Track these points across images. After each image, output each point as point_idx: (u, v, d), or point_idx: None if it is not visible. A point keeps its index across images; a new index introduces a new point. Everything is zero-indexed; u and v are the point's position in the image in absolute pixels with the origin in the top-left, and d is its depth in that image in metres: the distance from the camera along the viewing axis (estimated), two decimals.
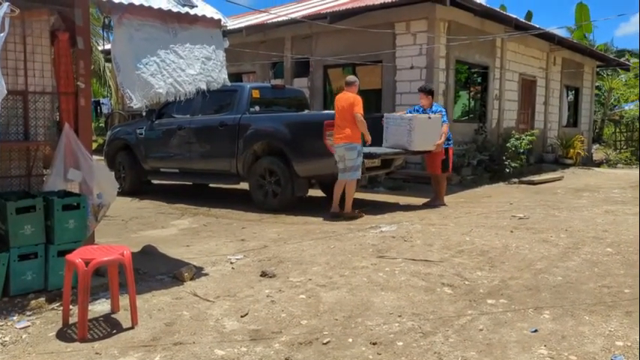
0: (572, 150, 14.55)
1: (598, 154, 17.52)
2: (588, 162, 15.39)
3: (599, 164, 15.63)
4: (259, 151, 7.47)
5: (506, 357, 2.82)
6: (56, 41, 4.17)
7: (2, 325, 3.19)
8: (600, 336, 3.08)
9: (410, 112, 7.60)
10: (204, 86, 4.11)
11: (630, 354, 2.84)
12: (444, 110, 7.72)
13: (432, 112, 7.50)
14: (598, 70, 18.73)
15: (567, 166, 13.97)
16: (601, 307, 3.53)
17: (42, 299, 3.58)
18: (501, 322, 3.29)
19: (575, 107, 16.69)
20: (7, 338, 3.03)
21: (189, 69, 4.01)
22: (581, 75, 16.34)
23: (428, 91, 7.71)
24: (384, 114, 7.83)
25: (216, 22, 4.21)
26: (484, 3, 10.74)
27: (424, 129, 7.22)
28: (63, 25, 4.18)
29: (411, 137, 7.10)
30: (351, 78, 7.08)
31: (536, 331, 3.15)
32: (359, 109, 6.55)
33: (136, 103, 3.74)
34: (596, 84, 19.44)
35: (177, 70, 3.95)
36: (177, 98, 3.99)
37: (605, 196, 8.87)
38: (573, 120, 16.55)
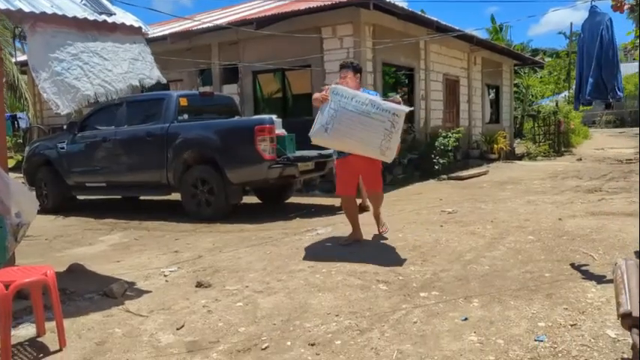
0: (495, 145, 15.29)
1: (519, 148, 18.49)
2: (511, 156, 16.22)
3: (520, 157, 16.50)
4: (190, 160, 7.34)
5: (439, 346, 2.93)
6: None
7: None
8: (524, 319, 3.25)
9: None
10: (136, 83, 4.00)
11: (551, 333, 3.02)
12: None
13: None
14: (516, 68, 19.80)
15: (492, 160, 14.66)
16: (524, 292, 3.73)
17: None
18: (434, 313, 3.41)
19: (496, 104, 17.56)
20: None
21: (117, 69, 3.89)
22: (500, 74, 17.22)
23: (357, 69, 5.33)
24: (331, 85, 5.07)
25: (137, 30, 4.12)
26: (406, 7, 11.07)
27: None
28: None
29: (390, 143, 4.71)
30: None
31: (466, 319, 3.28)
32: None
33: (63, 109, 3.59)
34: (515, 82, 20.53)
35: (104, 71, 3.82)
36: (109, 97, 3.86)
37: (526, 188, 9.38)
38: (495, 117, 17.40)
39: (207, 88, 11.63)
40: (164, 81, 4.37)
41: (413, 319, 3.32)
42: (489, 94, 17.05)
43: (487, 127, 16.17)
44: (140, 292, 4.07)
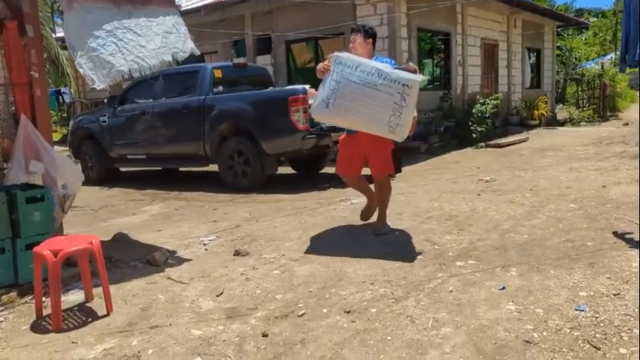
0: (536, 111, 14.82)
1: (562, 113, 17.89)
2: (552, 122, 15.71)
3: (563, 123, 15.97)
4: (226, 132, 7.41)
5: (476, 315, 2.92)
6: (4, 30, 4.02)
7: None
8: (565, 288, 3.20)
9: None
10: (169, 58, 4.06)
11: (593, 303, 2.97)
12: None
13: None
14: (558, 30, 18.99)
15: (532, 127, 14.24)
16: (565, 261, 3.66)
17: (13, 294, 3.53)
18: (470, 282, 3.40)
19: (537, 68, 16.94)
20: None
21: (150, 44, 3.95)
22: (541, 36, 16.56)
23: (369, 34, 4.59)
24: (334, 53, 4.37)
25: (170, 2, 4.14)
26: None
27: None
28: (9, 13, 4.03)
29: (400, 119, 4.06)
30: None
31: (503, 288, 3.26)
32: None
33: (99, 84, 3.69)
34: (557, 44, 19.71)
35: (138, 47, 3.88)
36: (142, 73, 3.94)
37: (568, 154, 9.11)
38: (536, 81, 16.82)
39: (241, 60, 11.62)
40: (198, 53, 4.39)
41: (449, 288, 3.31)
42: (530, 58, 16.45)
43: (527, 92, 15.66)
44: (181, 260, 4.20)
